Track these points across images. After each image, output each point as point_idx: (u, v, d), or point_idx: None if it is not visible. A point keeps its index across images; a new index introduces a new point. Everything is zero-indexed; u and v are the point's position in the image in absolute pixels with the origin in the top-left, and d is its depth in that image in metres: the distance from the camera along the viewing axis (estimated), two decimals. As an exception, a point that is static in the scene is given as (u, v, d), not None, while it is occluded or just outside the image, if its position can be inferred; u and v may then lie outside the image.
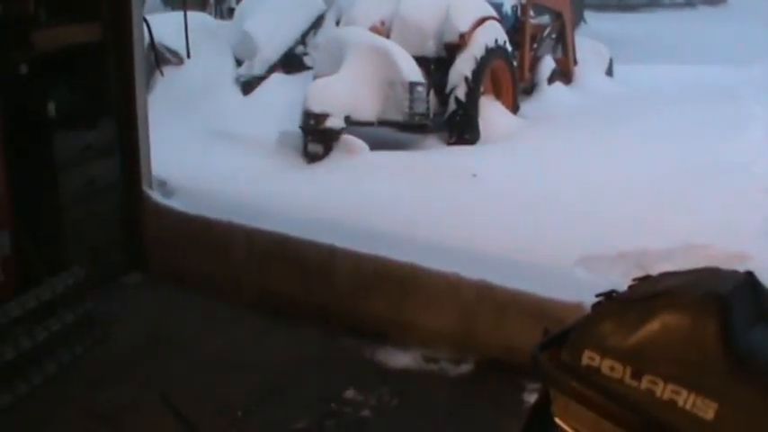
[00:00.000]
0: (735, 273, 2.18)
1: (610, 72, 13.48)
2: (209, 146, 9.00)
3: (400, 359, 4.95)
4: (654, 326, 2.00)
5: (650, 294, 2.11)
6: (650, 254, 5.79)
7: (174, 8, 11.80)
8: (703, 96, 12.48)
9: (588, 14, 24.65)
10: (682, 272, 2.22)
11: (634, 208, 6.82)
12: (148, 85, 8.01)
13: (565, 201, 7.04)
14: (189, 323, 5.40)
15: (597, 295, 2.25)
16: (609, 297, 2.24)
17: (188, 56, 10.92)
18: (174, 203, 6.14)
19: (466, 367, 4.85)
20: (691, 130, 9.93)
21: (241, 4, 12.46)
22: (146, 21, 6.09)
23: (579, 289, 4.31)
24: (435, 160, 8.55)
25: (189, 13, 11.27)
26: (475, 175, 7.76)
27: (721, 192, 7.31)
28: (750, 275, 2.15)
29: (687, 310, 1.99)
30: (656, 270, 2.34)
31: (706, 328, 1.93)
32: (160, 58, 8.60)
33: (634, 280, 2.30)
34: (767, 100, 12.39)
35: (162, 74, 9.23)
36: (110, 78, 5.75)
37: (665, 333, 1.98)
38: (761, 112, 11.21)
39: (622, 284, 2.24)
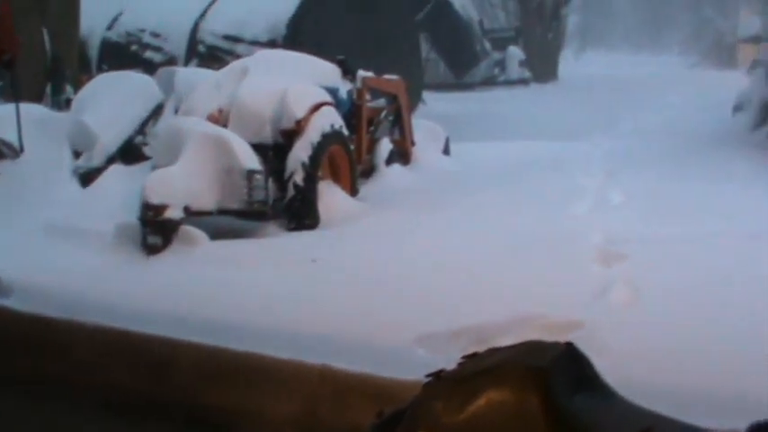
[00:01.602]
0: (556, 344, 2.25)
1: (447, 151, 13.82)
2: (46, 240, 8.79)
3: (246, 450, 4.89)
4: (481, 403, 2.03)
5: (476, 372, 2.16)
6: (488, 328, 5.93)
7: (7, 100, 11.58)
8: (536, 171, 12.93)
9: (427, 95, 25.32)
10: (506, 347, 2.28)
11: (471, 282, 6.98)
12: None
13: (404, 279, 7.14)
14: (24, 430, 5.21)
15: (427, 375, 2.29)
16: (438, 377, 2.28)
17: (21, 149, 10.74)
18: (7, 302, 5.96)
19: (310, 453, 4.82)
20: (524, 203, 10.28)
21: (79, 94, 12.32)
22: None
23: (418, 368, 4.36)
24: (275, 247, 8.57)
25: (23, 105, 11.14)
26: (314, 260, 7.80)
27: (554, 262, 7.57)
28: (570, 346, 2.22)
29: (510, 385, 2.04)
30: (494, 343, 2.40)
31: (529, 402, 1.98)
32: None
33: (462, 358, 2.34)
34: (595, 173, 12.94)
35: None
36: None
37: (492, 410, 2.02)
38: (589, 185, 11.68)
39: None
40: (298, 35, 17.60)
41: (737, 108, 22.94)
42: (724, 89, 26.01)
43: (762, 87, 21.23)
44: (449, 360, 2.55)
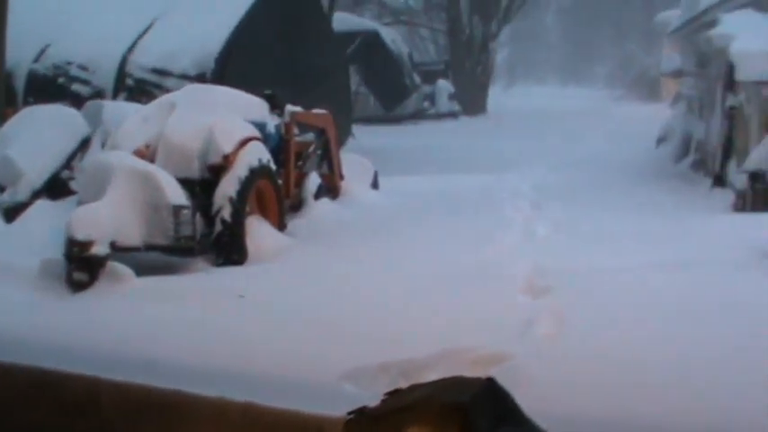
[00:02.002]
0: (477, 380, 2.27)
1: (375, 185, 13.87)
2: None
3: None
4: (403, 439, 2.05)
5: (397, 408, 2.17)
6: (414, 363, 5.94)
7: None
8: (465, 203, 13.05)
9: (357, 128, 25.40)
10: (428, 383, 2.30)
11: (399, 317, 6.99)
12: None
13: (331, 315, 7.13)
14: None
15: (349, 413, 2.30)
16: (360, 413, 2.28)
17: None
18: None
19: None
20: (453, 236, 10.35)
21: (4, 128, 12.13)
22: None
23: (345, 404, 4.35)
24: (203, 283, 8.51)
25: (-59, 144, 10.93)
26: (242, 296, 7.75)
27: (481, 295, 7.62)
28: (491, 381, 2.24)
29: (430, 422, 2.05)
30: (421, 378, 2.42)
31: (449, 438, 2.00)
32: None
33: (385, 394, 2.35)
34: (522, 205, 13.09)
35: None
36: None
37: (414, 446, 2.03)
38: (517, 217, 11.81)
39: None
40: (226, 69, 17.56)
41: (661, 140, 23.40)
42: (648, 121, 26.54)
43: (683, 120, 21.70)
44: (375, 395, 2.56)
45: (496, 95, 46.02)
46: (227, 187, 9.49)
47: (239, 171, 9.59)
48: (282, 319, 7.00)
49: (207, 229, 9.44)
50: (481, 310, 7.17)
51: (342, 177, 12.95)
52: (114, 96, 18.04)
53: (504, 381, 2.49)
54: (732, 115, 15.49)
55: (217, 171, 9.63)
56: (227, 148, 9.64)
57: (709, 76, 19.00)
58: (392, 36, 34.52)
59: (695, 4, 18.51)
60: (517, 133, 27.71)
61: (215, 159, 9.64)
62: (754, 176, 13.06)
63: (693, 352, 6.17)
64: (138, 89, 18.16)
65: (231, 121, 10.10)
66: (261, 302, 7.61)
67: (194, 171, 9.71)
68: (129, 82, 18.63)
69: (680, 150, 21.06)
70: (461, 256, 9.18)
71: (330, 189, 12.48)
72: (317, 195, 11.86)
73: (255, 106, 10.99)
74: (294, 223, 10.97)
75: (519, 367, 5.72)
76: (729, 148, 15.57)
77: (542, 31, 70.10)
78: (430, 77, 37.51)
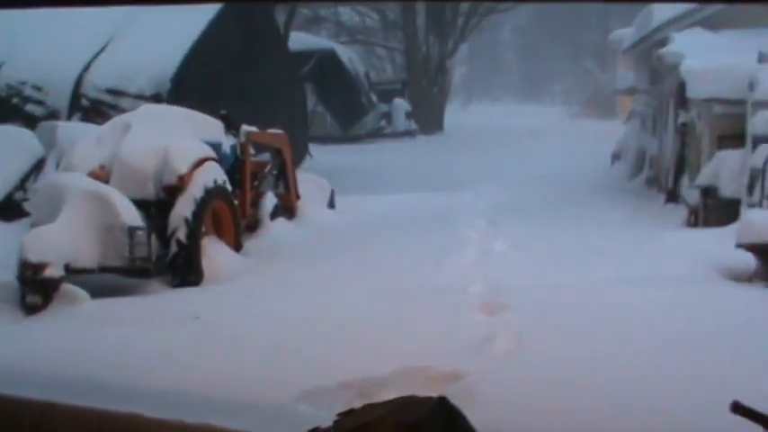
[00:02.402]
0: (429, 399, 2.28)
1: (332, 204, 13.88)
2: None
3: None
4: (354, 459, 2.05)
5: (350, 429, 2.17)
6: (371, 381, 5.95)
7: None
8: (422, 222, 13.08)
9: (314, 148, 25.38)
10: (380, 403, 2.30)
11: (355, 336, 6.99)
12: None
13: (288, 335, 7.12)
14: None
15: (300, 435, 2.29)
16: (314, 435, 2.28)
17: None
18: None
19: None
20: (410, 255, 10.38)
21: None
22: None
23: (301, 424, 4.34)
24: (158, 304, 8.46)
25: None
26: (197, 318, 7.72)
27: (438, 313, 7.65)
28: (443, 400, 2.25)
29: (384, 442, 2.06)
30: (378, 397, 2.42)
31: (402, 458, 2.01)
32: None
33: (337, 415, 2.35)
34: (478, 223, 13.15)
35: None
36: None
37: (367, 467, 2.04)
38: (473, 235, 11.86)
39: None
40: (183, 89, 17.50)
41: (616, 157, 23.64)
42: (604, 138, 26.77)
43: (637, 137, 21.94)
44: (331, 415, 2.56)
45: (454, 113, 46.20)
46: (183, 208, 9.46)
47: (195, 192, 9.56)
48: (238, 341, 6.97)
49: (162, 251, 9.40)
50: (438, 329, 7.19)
51: (298, 197, 12.96)
52: (69, 117, 17.88)
53: (458, 399, 2.50)
54: (684, 132, 15.70)
55: (172, 192, 9.60)
56: (183, 168, 9.62)
57: (661, 93, 19.25)
58: (348, 55, 34.55)
59: (648, 22, 18.73)
60: (474, 151, 27.83)
61: (170, 180, 9.60)
62: (706, 192, 13.23)
63: (649, 369, 6.23)
64: (94, 110, 18.02)
65: (186, 141, 10.08)
66: (216, 324, 7.58)
67: (149, 192, 9.68)
68: (84, 102, 18.48)
69: (634, 167, 21.29)
70: (418, 275, 9.21)
71: (286, 209, 12.47)
72: (274, 215, 11.85)
73: (211, 126, 10.97)
74: (250, 243, 10.95)
75: (474, 385, 5.74)
76: (682, 164, 15.77)
77: (499, 49, 70.52)
78: (387, 96, 37.55)
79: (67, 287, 8.53)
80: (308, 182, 13.60)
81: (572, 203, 16.71)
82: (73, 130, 12.23)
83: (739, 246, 9.15)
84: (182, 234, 9.37)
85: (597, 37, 51.81)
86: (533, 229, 12.74)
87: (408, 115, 37.52)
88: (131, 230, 8.95)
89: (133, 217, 9.09)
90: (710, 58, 13.99)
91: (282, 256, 10.58)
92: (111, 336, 7.33)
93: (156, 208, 9.65)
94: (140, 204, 9.40)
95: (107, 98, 18.51)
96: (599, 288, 8.66)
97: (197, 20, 18.60)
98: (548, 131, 36.73)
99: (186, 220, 9.40)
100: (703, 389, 5.69)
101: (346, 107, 32.79)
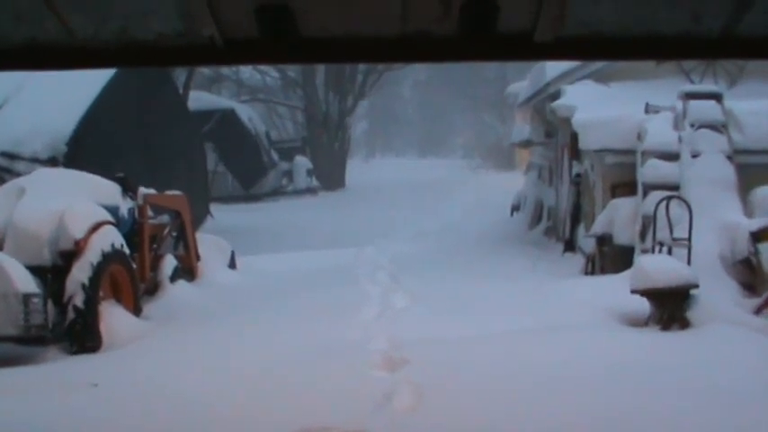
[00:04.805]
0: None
1: (233, 264, 13.83)
2: None
3: None
4: None
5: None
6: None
7: None
8: (323, 280, 13.12)
9: (215, 207, 25.28)
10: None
11: (255, 397, 6.96)
12: None
13: (187, 399, 7.05)
14: None
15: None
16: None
17: None
18: None
19: None
20: (310, 314, 10.39)
21: None
22: None
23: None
24: (56, 373, 8.29)
25: None
26: (96, 385, 7.60)
27: (338, 371, 7.66)
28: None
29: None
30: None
31: None
32: None
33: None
34: (380, 278, 13.23)
35: None
36: None
37: None
38: (374, 290, 11.93)
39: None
40: (79, 152, 17.30)
41: (515, 208, 24.06)
42: (504, 189, 27.24)
43: (535, 188, 22.39)
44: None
45: (356, 169, 46.52)
46: (80, 273, 9.31)
47: (91, 256, 9.42)
48: (136, 408, 6.89)
49: (59, 317, 9.23)
50: (338, 387, 7.20)
51: (199, 258, 12.87)
52: (-38, 183, 17.55)
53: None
54: (578, 182, 16.09)
55: (68, 257, 9.44)
56: (79, 233, 9.48)
57: (556, 145, 19.70)
58: (249, 114, 34.63)
59: (541, 76, 19.19)
60: (376, 206, 28.06)
61: (66, 245, 9.45)
62: (601, 240, 13.56)
63: (551, 418, 6.34)
64: (-13, 174, 17.72)
65: (82, 205, 9.94)
66: (115, 391, 7.47)
67: (45, 258, 9.50)
68: (-22, 167, 18.16)
69: (533, 217, 21.70)
70: (319, 334, 9.21)
71: (187, 271, 12.37)
72: (174, 278, 11.73)
73: (107, 190, 10.84)
74: (150, 307, 10.82)
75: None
76: (577, 214, 16.14)
77: (400, 103, 71.25)
78: (288, 154, 37.73)
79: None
80: (209, 242, 13.54)
81: (473, 255, 16.95)
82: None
83: (633, 292, 9.37)
84: (79, 300, 9.21)
85: (496, 90, 52.80)
86: (435, 283, 12.87)
87: (310, 172, 37.72)
88: (26, 297, 8.77)
89: (28, 283, 8.91)
90: (601, 110, 14.41)
91: (182, 318, 10.48)
92: (7, 407, 7.15)
93: (52, 274, 9.47)
94: (36, 270, 9.22)
95: (1, 162, 18.21)
96: (500, 339, 8.77)
97: (93, 81, 18.44)
98: (449, 184, 37.25)
99: (83, 286, 9.25)
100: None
101: (247, 166, 32.82)
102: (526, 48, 3.99)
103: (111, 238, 9.83)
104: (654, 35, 3.97)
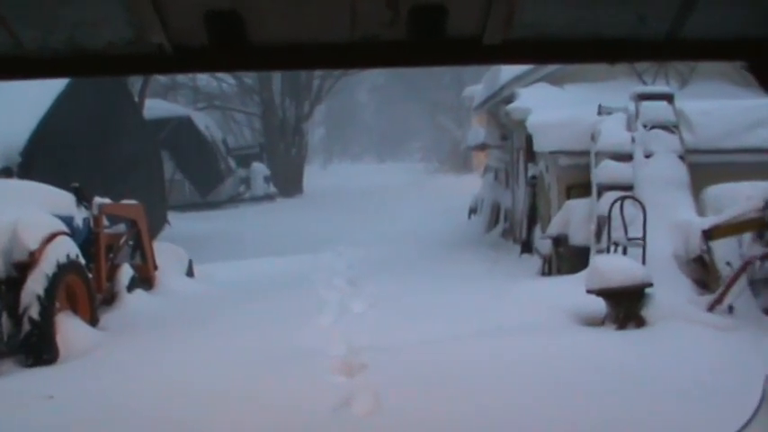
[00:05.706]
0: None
1: (190, 273, 13.78)
2: None
3: None
4: None
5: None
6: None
7: None
8: (281, 286, 13.12)
9: (173, 215, 25.15)
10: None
11: (213, 405, 6.94)
12: None
13: (146, 409, 7.02)
14: None
15: None
16: None
17: None
18: None
19: None
20: (267, 321, 10.38)
21: None
22: None
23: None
24: (11, 386, 8.20)
25: None
26: (52, 397, 7.53)
27: (296, 377, 7.67)
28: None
29: None
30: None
31: None
32: None
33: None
34: (338, 284, 13.24)
35: None
36: None
37: None
38: (332, 297, 11.94)
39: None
40: (33, 163, 17.15)
41: (473, 210, 24.17)
42: (462, 192, 27.33)
43: (492, 191, 22.49)
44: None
45: (314, 174, 46.52)
46: (34, 285, 9.21)
47: (46, 267, 9.33)
48: (93, 420, 6.84)
49: (14, 330, 9.13)
50: (295, 393, 7.20)
51: (156, 267, 12.81)
52: None
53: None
54: (534, 184, 16.19)
55: (23, 268, 9.34)
56: (33, 244, 9.38)
57: (511, 147, 19.81)
58: (205, 121, 34.55)
59: (495, 79, 19.26)
60: (334, 212, 28.07)
61: (20, 256, 9.35)
62: (557, 241, 13.65)
63: (509, 418, 6.38)
64: (-60, 187, 17.52)
65: (36, 216, 9.85)
66: (71, 403, 7.40)
67: (-1, 270, 9.42)
68: (-70, 180, 17.95)
69: (490, 220, 21.80)
70: (276, 341, 9.20)
71: (144, 280, 12.32)
72: (131, 287, 11.67)
73: (62, 200, 10.76)
74: (107, 317, 10.75)
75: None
76: (533, 215, 16.24)
77: (357, 108, 71.23)
78: (245, 161, 37.68)
79: None
80: (166, 251, 13.50)
81: (431, 259, 17.00)
82: None
83: (589, 291, 9.45)
84: (34, 312, 9.12)
85: (452, 94, 52.97)
86: (393, 287, 12.89)
87: (267, 179, 37.68)
88: (-20, 311, 8.70)
89: (-19, 297, 8.83)
90: (555, 113, 14.50)
91: (140, 328, 10.43)
92: (-40, 421, 7.10)
93: (6, 286, 9.36)
94: (-10, 283, 9.14)
95: (-46, 175, 18.00)
96: (458, 342, 8.81)
97: (47, 91, 18.30)
98: (407, 188, 37.36)
99: (39, 297, 9.15)
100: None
101: (204, 174, 32.73)
102: (475, 51, 4.01)
103: (66, 248, 9.75)
104: (601, 37, 4.01)
